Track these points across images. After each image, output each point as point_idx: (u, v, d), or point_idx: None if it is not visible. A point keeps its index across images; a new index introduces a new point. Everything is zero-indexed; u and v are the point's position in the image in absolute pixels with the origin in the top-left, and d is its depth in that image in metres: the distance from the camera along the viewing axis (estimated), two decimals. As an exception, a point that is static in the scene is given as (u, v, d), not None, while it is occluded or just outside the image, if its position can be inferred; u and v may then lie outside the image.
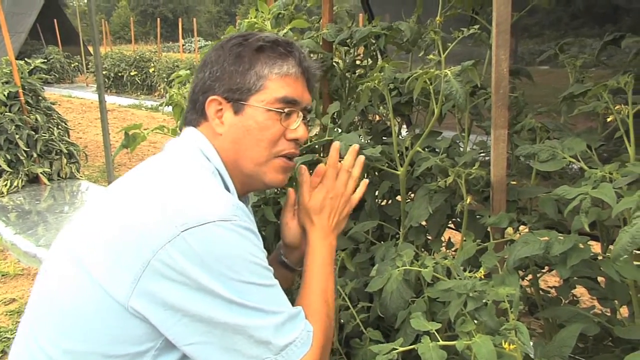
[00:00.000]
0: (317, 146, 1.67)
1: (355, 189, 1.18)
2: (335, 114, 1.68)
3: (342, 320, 1.44)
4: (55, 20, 15.54)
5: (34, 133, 5.10)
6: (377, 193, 1.55)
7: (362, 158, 1.18)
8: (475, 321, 0.93)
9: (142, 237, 0.84)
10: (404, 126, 1.95)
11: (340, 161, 1.23)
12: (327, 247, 1.10)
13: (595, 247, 1.15)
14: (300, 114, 1.05)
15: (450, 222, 1.48)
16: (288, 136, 1.04)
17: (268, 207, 1.72)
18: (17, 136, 4.92)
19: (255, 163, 1.03)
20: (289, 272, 1.27)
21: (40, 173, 5.13)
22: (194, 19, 19.72)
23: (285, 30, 1.60)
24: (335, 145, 1.16)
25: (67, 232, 0.98)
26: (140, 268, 0.83)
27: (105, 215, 0.93)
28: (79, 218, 0.98)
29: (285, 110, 1.02)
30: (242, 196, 1.10)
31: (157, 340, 0.87)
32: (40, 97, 5.34)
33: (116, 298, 0.85)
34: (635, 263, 0.97)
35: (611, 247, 1.15)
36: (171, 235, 0.83)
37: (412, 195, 1.50)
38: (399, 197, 1.48)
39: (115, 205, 0.93)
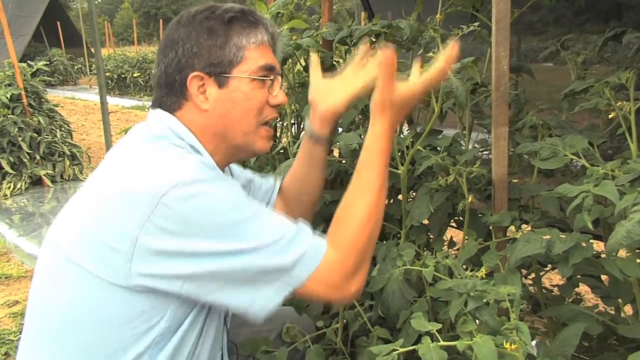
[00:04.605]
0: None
1: None
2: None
3: (345, 320, 1.44)
4: (58, 23, 15.58)
5: (36, 135, 5.10)
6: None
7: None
8: (477, 321, 0.92)
9: (123, 217, 0.86)
10: (405, 124, 1.94)
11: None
12: (389, 142, 1.05)
13: (599, 245, 1.14)
14: (278, 79, 1.08)
15: (451, 221, 1.47)
16: (271, 102, 1.07)
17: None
18: (20, 138, 4.93)
19: (244, 133, 1.04)
20: (322, 147, 1.22)
21: (44, 175, 5.14)
22: (197, 20, 19.70)
23: (282, 30, 1.59)
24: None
25: (52, 230, 0.99)
26: (130, 246, 0.85)
27: (83, 206, 0.94)
28: (62, 214, 0.99)
29: (267, 76, 1.05)
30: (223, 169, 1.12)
31: (165, 315, 0.90)
32: (43, 99, 5.35)
33: (115, 282, 0.86)
34: (638, 261, 0.96)
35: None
36: (152, 205, 0.84)
37: (413, 194, 1.49)
38: (400, 196, 1.47)
39: (91, 195, 0.94)
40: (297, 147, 1.62)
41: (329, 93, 1.16)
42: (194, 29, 1.02)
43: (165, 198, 0.84)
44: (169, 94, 1.04)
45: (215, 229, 0.86)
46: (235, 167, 1.27)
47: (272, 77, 1.05)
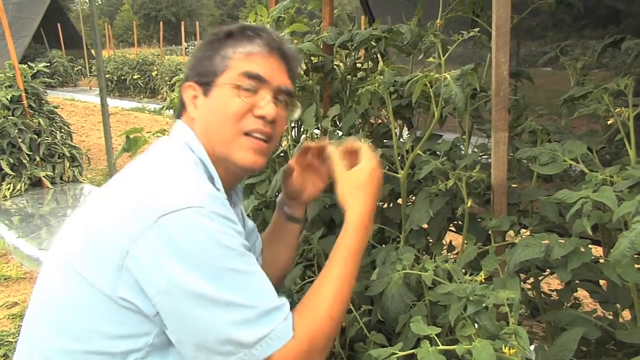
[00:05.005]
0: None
1: None
2: (336, 117, 1.68)
3: (344, 324, 1.44)
4: (58, 24, 15.59)
5: (36, 137, 5.11)
6: (377, 196, 1.54)
7: None
8: (476, 325, 0.92)
9: (121, 228, 0.86)
10: (405, 129, 1.95)
11: None
12: (363, 237, 1.03)
13: (597, 250, 1.14)
14: (269, 92, 1.03)
15: (451, 225, 1.47)
16: (255, 113, 1.02)
17: (269, 210, 1.72)
18: (20, 140, 4.93)
19: (223, 141, 1.01)
20: (297, 225, 1.30)
21: (43, 176, 5.15)
22: (197, 22, 19.78)
23: (284, 34, 1.60)
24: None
25: (60, 234, 1.00)
26: (120, 258, 0.84)
27: (90, 214, 0.95)
28: (71, 220, 1.00)
29: (246, 84, 1.01)
30: (230, 189, 1.10)
31: (150, 336, 0.88)
32: (43, 101, 5.36)
33: (105, 292, 0.86)
34: (636, 266, 0.97)
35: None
36: (149, 222, 0.83)
37: (413, 198, 1.50)
38: (399, 200, 1.48)
39: (98, 204, 0.95)
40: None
41: (306, 186, 1.26)
42: (199, 47, 1.08)
43: (164, 219, 0.83)
44: (180, 103, 1.10)
45: (202, 265, 0.83)
46: (249, 221, 1.28)
47: (253, 86, 1.01)
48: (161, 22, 18.54)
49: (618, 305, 1.12)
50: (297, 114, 1.15)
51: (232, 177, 1.08)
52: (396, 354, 0.89)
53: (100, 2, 49.60)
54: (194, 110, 1.04)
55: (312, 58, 1.72)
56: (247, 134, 1.02)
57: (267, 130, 1.03)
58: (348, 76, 1.80)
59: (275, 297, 0.91)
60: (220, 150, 1.02)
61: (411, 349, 0.92)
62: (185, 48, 18.61)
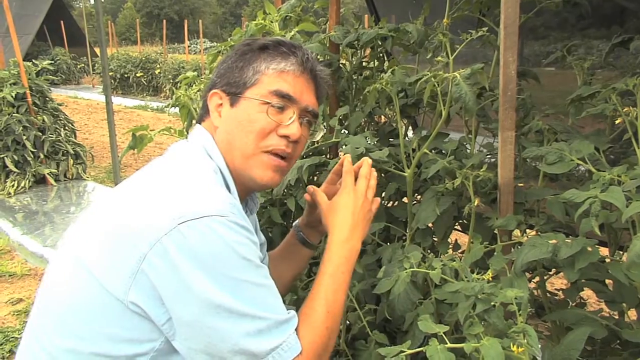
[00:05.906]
0: (323, 148, 1.67)
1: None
2: (342, 116, 1.69)
3: (348, 322, 1.45)
4: (61, 22, 15.61)
5: (41, 134, 5.13)
6: (383, 195, 1.55)
7: (374, 172, 1.18)
8: (484, 323, 0.93)
9: (139, 232, 0.85)
10: (410, 128, 1.96)
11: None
12: (346, 253, 1.05)
13: (602, 250, 1.14)
14: (296, 111, 1.03)
15: (457, 224, 1.48)
16: (279, 132, 1.02)
17: (274, 208, 1.72)
18: (24, 137, 4.95)
19: (243, 155, 1.01)
20: (309, 250, 1.30)
21: (47, 174, 5.16)
22: (200, 21, 19.79)
23: (292, 33, 1.60)
24: (348, 157, 1.17)
25: (70, 233, 0.99)
26: (137, 262, 0.84)
27: (105, 214, 0.95)
28: (82, 218, 0.99)
29: (275, 102, 1.01)
30: (243, 200, 1.10)
31: (157, 342, 0.88)
32: (47, 98, 5.37)
33: (115, 295, 0.86)
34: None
35: (619, 251, 1.15)
36: (168, 227, 0.83)
37: (419, 197, 1.50)
38: (405, 199, 1.48)
39: (114, 205, 0.95)
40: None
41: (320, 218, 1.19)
42: (232, 54, 1.07)
43: (183, 226, 0.83)
44: (202, 108, 1.10)
45: (219, 275, 0.84)
46: (261, 235, 1.28)
47: (277, 102, 1.01)
48: (164, 21, 18.50)
49: (624, 305, 1.12)
50: (318, 136, 1.16)
51: (246, 189, 1.08)
52: (404, 351, 0.90)
53: (103, 0, 49.65)
54: (217, 118, 1.04)
55: (319, 57, 1.72)
56: (267, 151, 1.02)
57: (288, 151, 1.03)
58: (354, 75, 1.80)
59: (285, 309, 0.92)
60: (240, 163, 1.02)
61: (417, 347, 0.92)
62: (188, 46, 18.60)
